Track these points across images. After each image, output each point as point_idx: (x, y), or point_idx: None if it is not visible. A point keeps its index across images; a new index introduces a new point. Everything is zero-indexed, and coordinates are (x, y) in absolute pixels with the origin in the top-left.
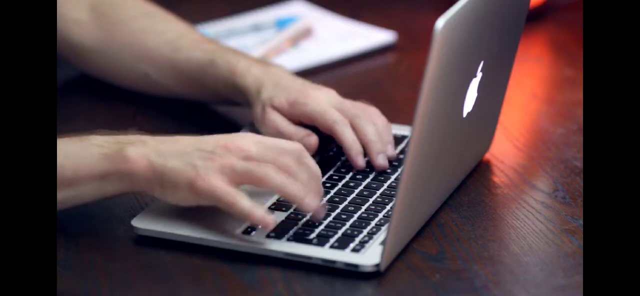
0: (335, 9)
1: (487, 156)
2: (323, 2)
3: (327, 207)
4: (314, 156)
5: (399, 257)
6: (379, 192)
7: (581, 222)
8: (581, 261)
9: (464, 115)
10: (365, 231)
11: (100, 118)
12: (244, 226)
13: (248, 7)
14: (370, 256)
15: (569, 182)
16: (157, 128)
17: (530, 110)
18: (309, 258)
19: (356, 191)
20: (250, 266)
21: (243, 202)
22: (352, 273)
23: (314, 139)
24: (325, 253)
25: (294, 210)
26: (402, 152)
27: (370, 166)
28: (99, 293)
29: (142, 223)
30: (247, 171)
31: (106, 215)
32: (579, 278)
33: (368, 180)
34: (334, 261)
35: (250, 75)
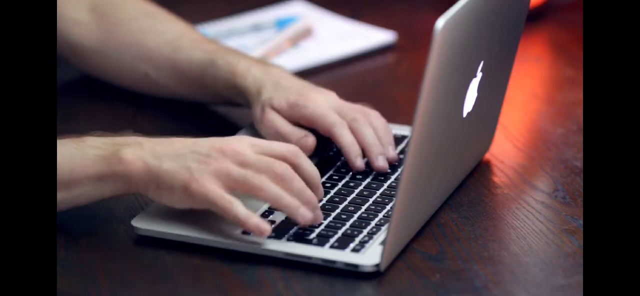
0: (335, 9)
1: (487, 156)
2: (323, 2)
3: (321, 214)
4: (311, 157)
5: (399, 257)
6: (379, 192)
7: (581, 222)
8: (581, 261)
9: (464, 115)
10: (365, 232)
11: (100, 118)
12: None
13: (248, 7)
14: (370, 256)
15: (569, 182)
16: (157, 129)
17: (530, 110)
18: (309, 258)
19: (356, 191)
20: (250, 266)
21: (238, 207)
22: (352, 273)
23: (311, 140)
24: (325, 253)
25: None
26: (402, 152)
27: (370, 167)
28: (99, 293)
29: (142, 223)
30: (243, 179)
31: (106, 215)
32: (579, 278)
33: (368, 180)
34: (334, 261)
35: (250, 76)
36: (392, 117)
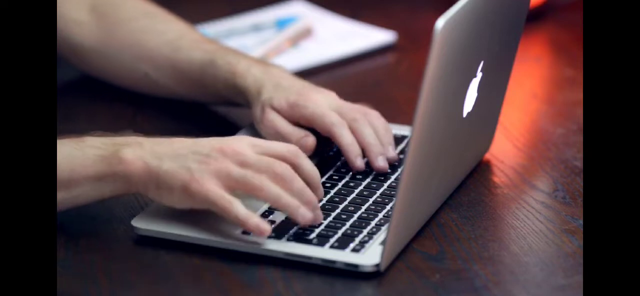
0: (335, 9)
1: (487, 156)
2: (323, 2)
3: (321, 214)
4: (311, 157)
5: (399, 257)
6: (379, 192)
7: (581, 222)
8: (581, 261)
9: (464, 115)
10: (365, 232)
11: (100, 118)
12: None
13: (248, 7)
14: (370, 256)
15: (569, 182)
16: (157, 129)
17: (530, 110)
18: (309, 258)
19: (356, 191)
20: (250, 266)
21: (238, 207)
22: (352, 273)
23: (311, 140)
24: (325, 253)
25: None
26: (402, 152)
27: (370, 167)
28: (99, 293)
29: (142, 223)
30: (243, 179)
31: (106, 215)
32: (579, 278)
33: (368, 180)
34: (334, 261)
35: (250, 76)
36: (392, 117)
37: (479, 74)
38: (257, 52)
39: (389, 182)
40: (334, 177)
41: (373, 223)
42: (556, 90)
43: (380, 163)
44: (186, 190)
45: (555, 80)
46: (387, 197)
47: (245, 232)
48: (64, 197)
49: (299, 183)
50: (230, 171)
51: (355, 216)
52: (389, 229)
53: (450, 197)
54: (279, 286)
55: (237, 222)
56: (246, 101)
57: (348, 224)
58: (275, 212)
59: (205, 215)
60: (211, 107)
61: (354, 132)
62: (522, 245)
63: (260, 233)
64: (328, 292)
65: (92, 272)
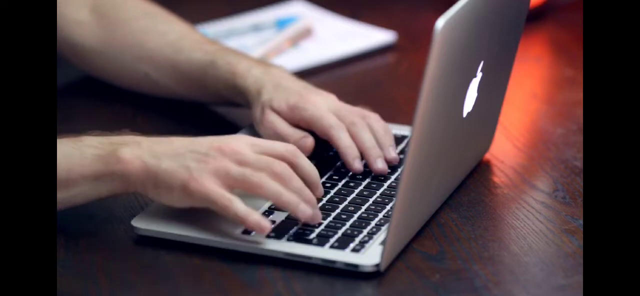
0: (335, 9)
1: (487, 156)
2: (323, 2)
3: (320, 214)
4: (311, 158)
5: (399, 257)
6: (379, 192)
7: (581, 222)
8: (581, 261)
9: (464, 115)
10: (365, 232)
11: (100, 118)
12: (243, 227)
13: (248, 7)
14: (370, 256)
15: (569, 182)
16: (157, 129)
17: (530, 110)
18: (309, 258)
19: (356, 191)
20: (250, 266)
21: (238, 205)
22: (352, 273)
23: (309, 141)
24: (325, 253)
25: (293, 216)
26: (402, 152)
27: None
28: (99, 293)
29: (142, 223)
30: (242, 177)
31: (106, 215)
32: (579, 278)
33: (368, 180)
34: (334, 261)
35: (250, 77)
36: (392, 117)
37: (479, 74)
38: (257, 52)
39: (389, 182)
40: (334, 177)
41: (373, 223)
42: (556, 90)
43: (379, 165)
44: (185, 189)
45: (555, 80)
46: (387, 197)
47: (245, 232)
48: (62, 197)
49: (298, 182)
50: (229, 170)
51: (355, 216)
52: (389, 229)
53: (450, 197)
54: (279, 286)
55: (237, 220)
56: (246, 102)
57: (348, 224)
58: (275, 211)
59: (205, 215)
60: (211, 108)
61: (352, 136)
62: (522, 245)
63: (260, 230)
64: (328, 292)
65: (92, 272)
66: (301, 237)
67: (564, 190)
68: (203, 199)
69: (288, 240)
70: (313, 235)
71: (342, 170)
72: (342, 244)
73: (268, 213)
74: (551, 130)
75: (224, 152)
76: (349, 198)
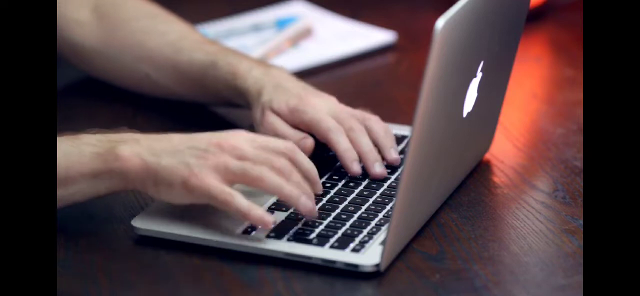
0: (335, 9)
1: (487, 156)
2: (323, 2)
3: (317, 211)
4: (310, 159)
5: (399, 257)
6: (379, 192)
7: (581, 222)
8: (581, 261)
9: (464, 115)
10: (365, 232)
11: (100, 118)
12: (243, 226)
13: (248, 7)
14: (370, 256)
15: (569, 182)
16: (157, 129)
17: (530, 110)
18: (309, 258)
19: (356, 191)
20: (250, 266)
21: (240, 200)
22: (352, 273)
23: (309, 142)
24: (325, 253)
25: (294, 209)
26: (402, 152)
27: None
28: (99, 293)
29: (142, 223)
30: (242, 171)
31: (106, 215)
32: (579, 278)
33: (368, 180)
34: (334, 261)
35: (251, 77)
36: (392, 117)
37: (479, 74)
38: (257, 52)
39: (389, 182)
40: (334, 177)
41: (373, 223)
42: (556, 90)
43: (377, 170)
44: (186, 185)
45: (555, 80)
46: (387, 197)
47: (245, 232)
48: (61, 195)
49: (297, 176)
50: (228, 164)
51: (355, 216)
52: (389, 229)
53: (450, 197)
54: (279, 286)
55: (239, 215)
56: (246, 102)
57: (348, 224)
58: (276, 211)
59: (205, 214)
60: (211, 108)
61: (351, 141)
62: (522, 245)
63: (264, 224)
64: (328, 292)
65: (92, 272)
66: (301, 237)
67: (564, 190)
68: (204, 195)
69: (288, 240)
70: (313, 235)
71: (342, 170)
72: (342, 244)
73: (268, 213)
74: (551, 130)
75: (223, 147)
76: (349, 198)
